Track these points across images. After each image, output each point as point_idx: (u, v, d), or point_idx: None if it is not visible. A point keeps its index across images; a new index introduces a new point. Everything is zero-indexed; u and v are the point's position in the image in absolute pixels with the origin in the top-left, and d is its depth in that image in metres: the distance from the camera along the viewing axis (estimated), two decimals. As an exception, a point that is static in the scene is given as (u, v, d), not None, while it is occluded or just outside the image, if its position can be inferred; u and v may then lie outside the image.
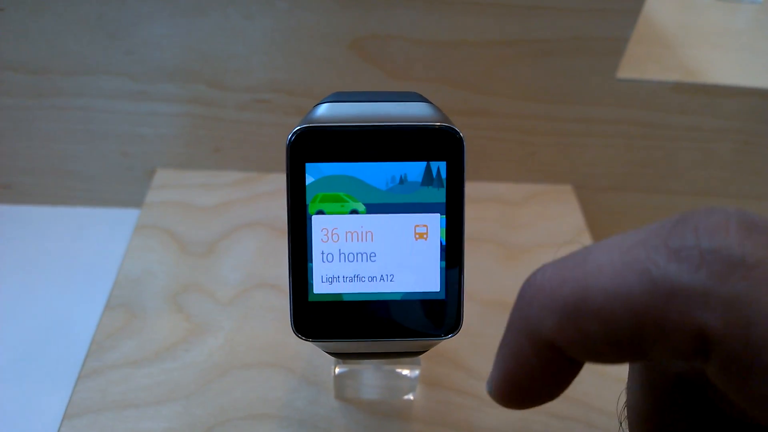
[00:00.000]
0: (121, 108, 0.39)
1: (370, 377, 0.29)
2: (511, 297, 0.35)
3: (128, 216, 0.41)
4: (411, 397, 0.30)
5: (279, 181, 0.41)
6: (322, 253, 0.21)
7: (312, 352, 0.31)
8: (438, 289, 0.21)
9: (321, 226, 0.21)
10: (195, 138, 0.40)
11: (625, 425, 0.18)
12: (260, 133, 0.40)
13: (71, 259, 0.38)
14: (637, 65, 0.40)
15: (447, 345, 0.31)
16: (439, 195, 0.21)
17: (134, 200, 0.42)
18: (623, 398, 0.18)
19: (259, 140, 0.41)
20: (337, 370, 0.28)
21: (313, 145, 0.21)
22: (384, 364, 0.28)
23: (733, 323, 0.11)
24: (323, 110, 0.21)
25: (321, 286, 0.21)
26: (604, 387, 0.31)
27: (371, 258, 0.21)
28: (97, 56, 0.37)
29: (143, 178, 0.42)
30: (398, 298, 0.22)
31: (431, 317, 0.22)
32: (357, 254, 0.21)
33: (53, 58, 0.37)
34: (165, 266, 0.35)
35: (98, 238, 0.40)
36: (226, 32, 0.36)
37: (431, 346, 0.23)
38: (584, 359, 0.14)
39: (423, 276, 0.21)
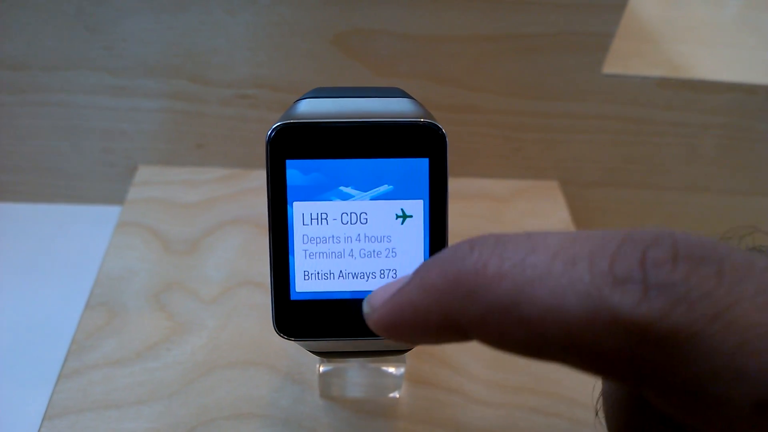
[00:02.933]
0: (102, 104, 0.38)
1: (355, 375, 0.29)
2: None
3: (110, 213, 0.40)
4: (396, 395, 0.29)
5: (263, 178, 0.40)
6: (304, 251, 0.21)
7: (297, 350, 0.31)
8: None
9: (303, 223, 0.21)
10: (177, 134, 0.40)
11: (601, 414, 0.17)
12: (244, 128, 0.40)
13: (51, 258, 0.38)
14: (623, 61, 0.39)
15: (432, 342, 0.31)
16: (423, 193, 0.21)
17: (116, 197, 0.41)
18: (599, 387, 0.17)
19: (242, 136, 0.40)
20: (321, 369, 0.28)
21: (293, 141, 0.20)
22: (369, 362, 0.27)
23: (671, 358, 0.11)
24: (303, 106, 0.21)
25: (303, 284, 0.21)
26: (588, 383, 0.31)
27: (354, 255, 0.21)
28: (77, 51, 0.36)
29: (125, 174, 0.41)
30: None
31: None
32: (340, 252, 0.21)
33: (32, 54, 0.36)
34: (147, 264, 0.35)
35: (79, 235, 0.40)
36: (207, 27, 0.35)
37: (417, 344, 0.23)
38: (490, 347, 0.13)
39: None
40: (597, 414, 0.18)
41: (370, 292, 0.21)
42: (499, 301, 0.12)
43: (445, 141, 0.20)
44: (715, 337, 0.10)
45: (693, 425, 0.12)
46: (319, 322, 0.21)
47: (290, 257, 0.21)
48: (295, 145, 0.20)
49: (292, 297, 0.21)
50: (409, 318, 0.14)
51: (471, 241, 0.14)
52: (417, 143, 0.20)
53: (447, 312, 0.13)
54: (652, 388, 0.12)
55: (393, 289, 0.15)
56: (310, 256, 0.21)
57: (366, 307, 0.16)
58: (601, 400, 0.17)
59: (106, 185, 0.42)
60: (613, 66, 0.39)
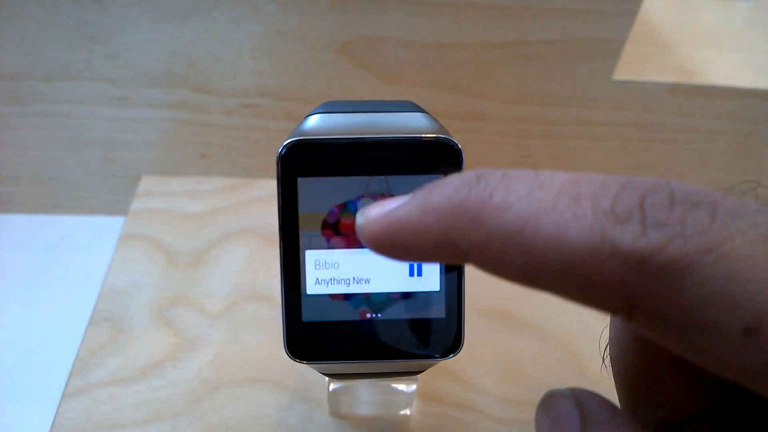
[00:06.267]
0: (104, 114, 0.38)
1: (365, 393, 0.28)
2: (508, 306, 0.35)
3: (113, 224, 0.40)
4: (408, 412, 0.29)
5: (268, 188, 0.40)
6: (316, 273, 0.20)
7: (305, 367, 0.30)
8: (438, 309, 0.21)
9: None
10: (181, 144, 0.39)
11: (608, 362, 0.18)
12: (248, 138, 0.39)
13: (54, 270, 0.37)
14: (634, 66, 0.39)
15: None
16: None
17: (119, 208, 0.41)
18: (606, 336, 0.18)
19: (246, 146, 0.39)
20: (331, 386, 0.27)
21: (304, 158, 0.20)
22: (380, 380, 0.27)
23: (665, 286, 0.12)
24: (314, 122, 0.20)
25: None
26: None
27: (367, 278, 0.20)
28: (78, 61, 0.35)
29: (128, 185, 0.41)
30: (396, 318, 0.21)
31: (431, 337, 0.21)
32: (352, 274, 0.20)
33: (32, 64, 0.35)
34: (151, 278, 0.34)
35: (81, 247, 0.39)
36: (211, 36, 0.35)
37: (429, 366, 0.23)
38: (485, 271, 0.14)
39: (422, 295, 0.20)
40: (603, 361, 0.18)
41: (384, 313, 0.20)
42: (503, 229, 0.13)
43: (461, 157, 0.20)
44: (708, 267, 0.11)
45: (685, 354, 0.12)
46: (331, 344, 0.21)
47: (302, 278, 0.20)
48: (306, 162, 0.20)
49: (304, 319, 0.20)
50: (405, 235, 0.14)
51: (477, 171, 0.14)
52: (432, 160, 0.20)
53: (447, 233, 0.14)
54: (644, 317, 0.12)
55: (391, 205, 0.15)
56: (322, 278, 0.20)
57: (360, 219, 0.15)
58: (607, 350, 0.18)
59: (108, 196, 0.41)
60: (623, 72, 0.38)
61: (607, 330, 0.18)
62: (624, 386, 0.17)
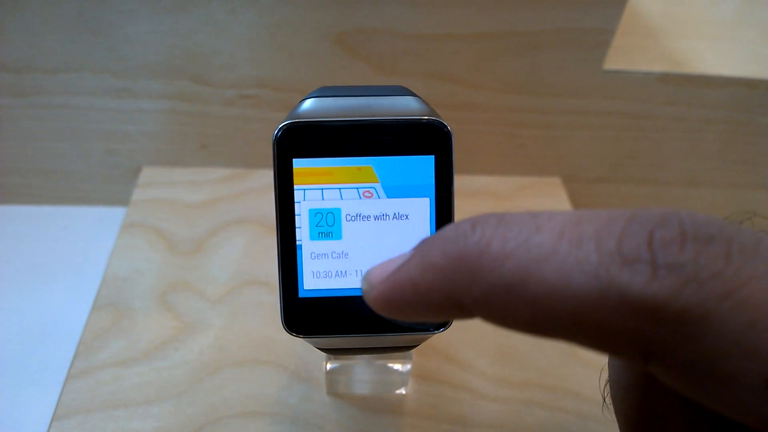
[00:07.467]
0: (105, 105, 0.38)
1: (361, 372, 0.29)
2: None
3: (114, 214, 0.40)
4: (403, 391, 0.30)
5: (266, 177, 0.41)
6: (312, 249, 0.21)
7: (303, 348, 0.31)
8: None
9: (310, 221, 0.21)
10: (180, 134, 0.40)
11: (608, 401, 0.18)
12: (247, 128, 0.40)
13: (57, 259, 0.38)
14: (624, 56, 0.40)
15: (438, 338, 0.31)
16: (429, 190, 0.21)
17: (120, 198, 0.41)
18: (605, 374, 0.18)
19: (245, 136, 0.40)
20: (328, 366, 0.28)
21: (299, 140, 0.20)
22: (375, 359, 0.28)
23: (681, 336, 0.11)
24: (309, 105, 0.21)
25: (311, 281, 0.21)
26: (594, 378, 0.31)
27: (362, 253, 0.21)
28: (80, 54, 0.36)
29: (129, 175, 0.41)
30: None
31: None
32: (347, 249, 0.21)
33: (35, 57, 0.36)
34: (153, 264, 0.35)
35: (84, 237, 0.40)
36: (209, 28, 0.35)
37: (423, 340, 0.23)
38: (493, 324, 0.13)
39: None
40: (604, 401, 0.18)
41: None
42: (504, 281, 0.12)
43: (451, 138, 0.21)
44: (726, 315, 0.11)
45: (702, 402, 0.12)
46: (327, 319, 0.21)
47: (298, 255, 0.21)
48: (301, 144, 0.20)
49: (301, 294, 0.21)
50: (409, 296, 0.14)
51: (472, 219, 0.14)
52: (422, 141, 0.21)
53: (449, 291, 0.13)
54: (661, 365, 0.12)
55: (392, 266, 0.15)
56: (318, 254, 0.21)
57: (364, 285, 0.15)
58: (608, 387, 0.17)
59: (109, 187, 0.42)
60: (614, 62, 0.39)
61: (606, 368, 0.17)
62: (628, 426, 0.17)
